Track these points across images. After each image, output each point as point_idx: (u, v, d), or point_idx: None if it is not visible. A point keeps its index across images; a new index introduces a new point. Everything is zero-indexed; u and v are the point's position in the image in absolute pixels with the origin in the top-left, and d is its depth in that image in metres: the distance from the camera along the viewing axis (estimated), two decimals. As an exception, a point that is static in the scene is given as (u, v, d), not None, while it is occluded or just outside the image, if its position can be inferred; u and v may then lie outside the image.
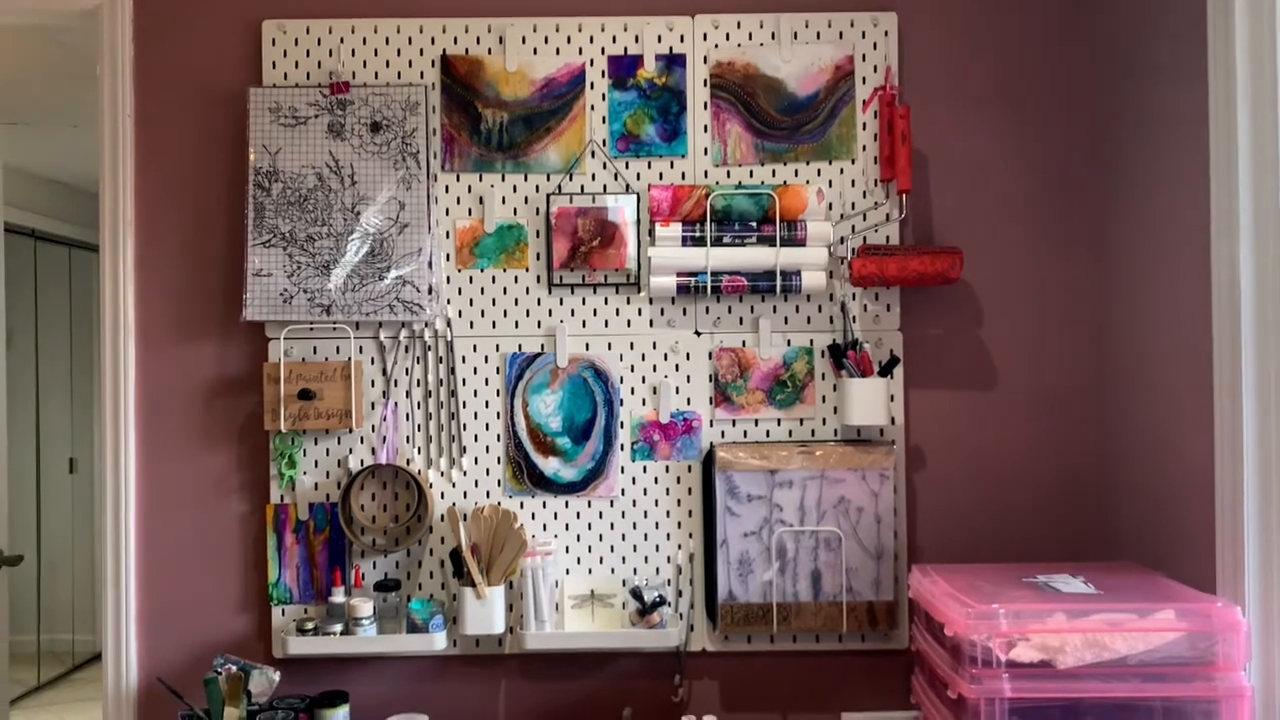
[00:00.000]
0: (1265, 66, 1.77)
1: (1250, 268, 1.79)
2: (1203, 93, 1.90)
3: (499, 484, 2.36)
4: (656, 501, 2.35)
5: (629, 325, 2.36)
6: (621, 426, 2.35)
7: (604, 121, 2.36)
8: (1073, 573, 1.95)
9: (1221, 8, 1.84)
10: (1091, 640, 1.70)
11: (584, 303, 2.36)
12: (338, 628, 2.25)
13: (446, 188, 2.36)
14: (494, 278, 2.36)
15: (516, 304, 2.36)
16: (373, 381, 2.35)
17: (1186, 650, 1.70)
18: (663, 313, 2.36)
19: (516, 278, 2.36)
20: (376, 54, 2.36)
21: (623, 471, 2.35)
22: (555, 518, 2.36)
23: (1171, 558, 2.06)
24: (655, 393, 2.36)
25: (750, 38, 2.36)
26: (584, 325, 2.36)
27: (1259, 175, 1.78)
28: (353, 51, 2.36)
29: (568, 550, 2.35)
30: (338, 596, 2.27)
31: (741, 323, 2.36)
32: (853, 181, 2.36)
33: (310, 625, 2.26)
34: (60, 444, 5.64)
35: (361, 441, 2.35)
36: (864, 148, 2.36)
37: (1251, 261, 1.79)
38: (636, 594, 2.27)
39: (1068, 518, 2.36)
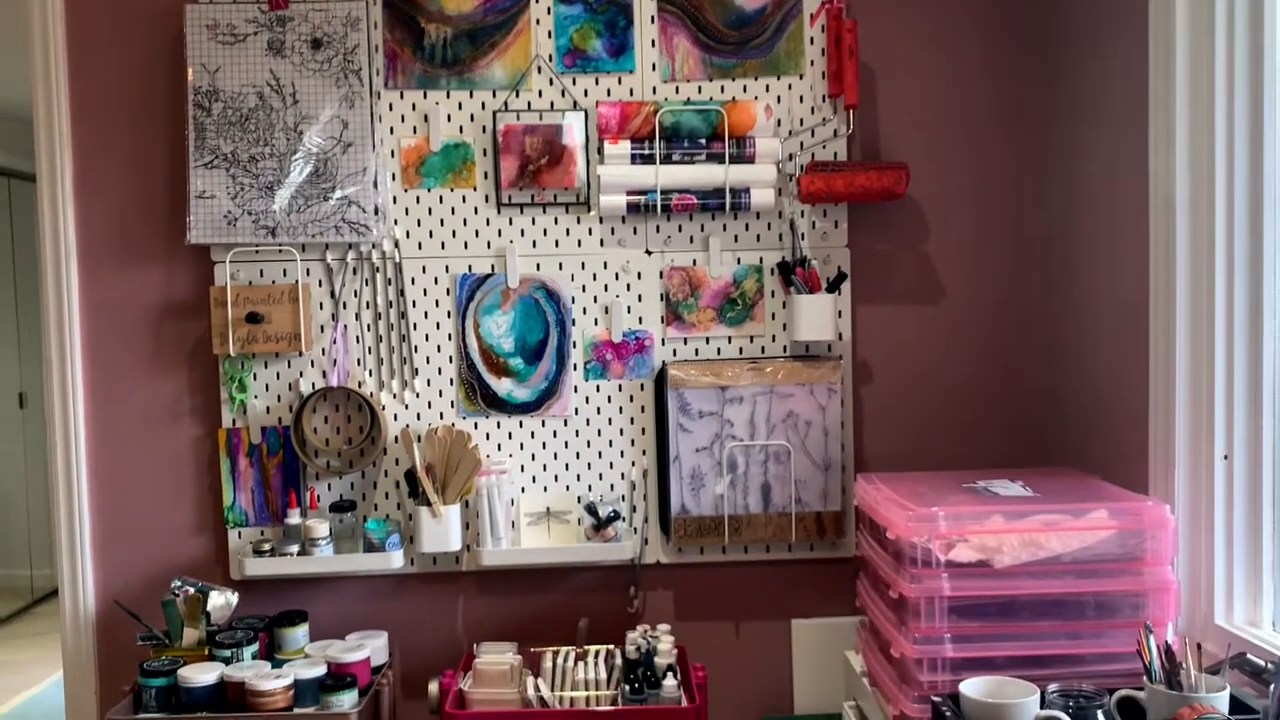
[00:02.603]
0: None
1: (1186, 185, 1.82)
2: (1144, 13, 1.91)
3: (452, 405, 2.37)
4: (610, 420, 2.38)
5: (579, 245, 2.36)
6: (574, 346, 2.37)
7: (550, 36, 2.33)
8: (1011, 478, 2.01)
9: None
10: (1027, 540, 1.76)
11: (534, 222, 2.35)
12: (294, 549, 2.27)
13: (390, 105, 2.33)
14: (441, 197, 2.35)
15: (465, 224, 2.35)
16: (321, 304, 2.34)
17: (1117, 548, 1.77)
18: (613, 232, 2.36)
19: (464, 197, 2.35)
20: (315, -32, 2.31)
21: (576, 391, 2.37)
22: (510, 438, 2.38)
23: (1107, 463, 2.13)
24: (607, 312, 2.37)
25: (697, -50, 2.33)
26: (534, 245, 2.36)
27: (1195, 94, 1.81)
28: (290, -35, 2.30)
29: (523, 469, 2.38)
30: (293, 518, 2.29)
31: (692, 241, 2.37)
32: (801, 97, 2.36)
33: (267, 546, 2.27)
34: (9, 379, 5.55)
35: (312, 365, 2.34)
36: (812, 62, 2.35)
37: (1187, 179, 1.82)
38: (591, 510, 2.31)
39: (1010, 427, 2.42)
